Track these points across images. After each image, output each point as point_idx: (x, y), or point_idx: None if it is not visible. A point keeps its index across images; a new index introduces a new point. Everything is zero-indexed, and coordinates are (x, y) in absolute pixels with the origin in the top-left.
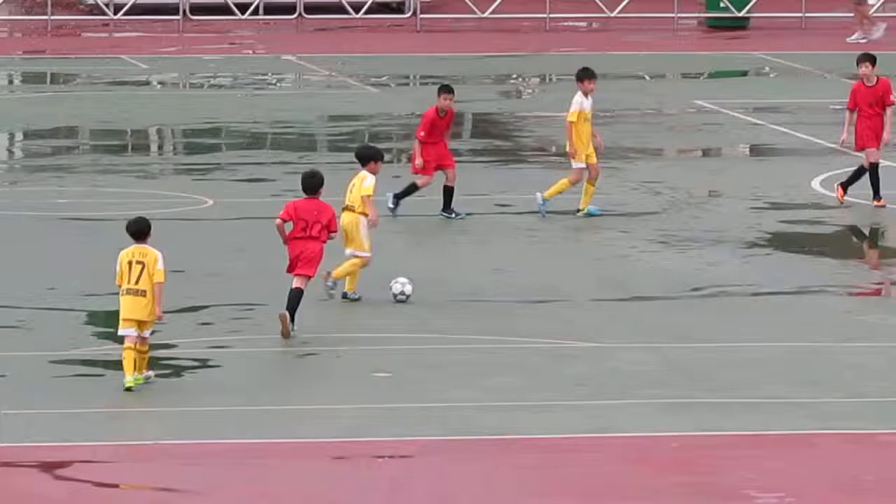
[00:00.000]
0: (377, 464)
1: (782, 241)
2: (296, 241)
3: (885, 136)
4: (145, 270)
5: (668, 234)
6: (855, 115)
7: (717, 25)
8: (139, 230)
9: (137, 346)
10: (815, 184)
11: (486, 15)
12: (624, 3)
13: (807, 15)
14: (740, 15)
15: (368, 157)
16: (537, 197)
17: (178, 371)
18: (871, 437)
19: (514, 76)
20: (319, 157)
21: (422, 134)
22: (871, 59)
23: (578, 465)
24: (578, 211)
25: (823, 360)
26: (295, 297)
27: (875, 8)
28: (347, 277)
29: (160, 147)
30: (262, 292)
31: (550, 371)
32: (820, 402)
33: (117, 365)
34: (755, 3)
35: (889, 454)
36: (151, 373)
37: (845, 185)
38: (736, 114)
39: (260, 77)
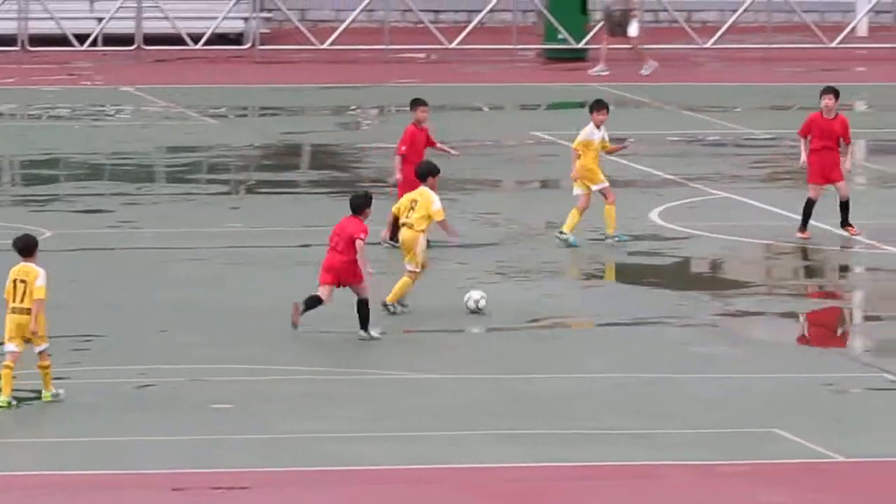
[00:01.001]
0: (216, 495)
1: (620, 273)
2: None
3: (847, 164)
4: (27, 288)
5: (506, 265)
6: (808, 143)
7: (555, 57)
8: (24, 247)
9: (39, 363)
10: (653, 215)
11: (324, 46)
12: (463, 35)
13: (645, 46)
14: (578, 46)
15: (426, 174)
16: (568, 238)
17: (16, 402)
18: (710, 468)
19: (353, 107)
20: (158, 188)
21: (403, 149)
22: (835, 93)
23: (419, 496)
24: (561, 233)
25: (661, 391)
26: (311, 303)
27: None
28: (395, 290)
29: None
30: (98, 324)
31: (392, 402)
32: (658, 433)
33: None
34: (593, 35)
35: (728, 485)
36: (61, 391)
37: (843, 224)
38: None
39: (98, 108)
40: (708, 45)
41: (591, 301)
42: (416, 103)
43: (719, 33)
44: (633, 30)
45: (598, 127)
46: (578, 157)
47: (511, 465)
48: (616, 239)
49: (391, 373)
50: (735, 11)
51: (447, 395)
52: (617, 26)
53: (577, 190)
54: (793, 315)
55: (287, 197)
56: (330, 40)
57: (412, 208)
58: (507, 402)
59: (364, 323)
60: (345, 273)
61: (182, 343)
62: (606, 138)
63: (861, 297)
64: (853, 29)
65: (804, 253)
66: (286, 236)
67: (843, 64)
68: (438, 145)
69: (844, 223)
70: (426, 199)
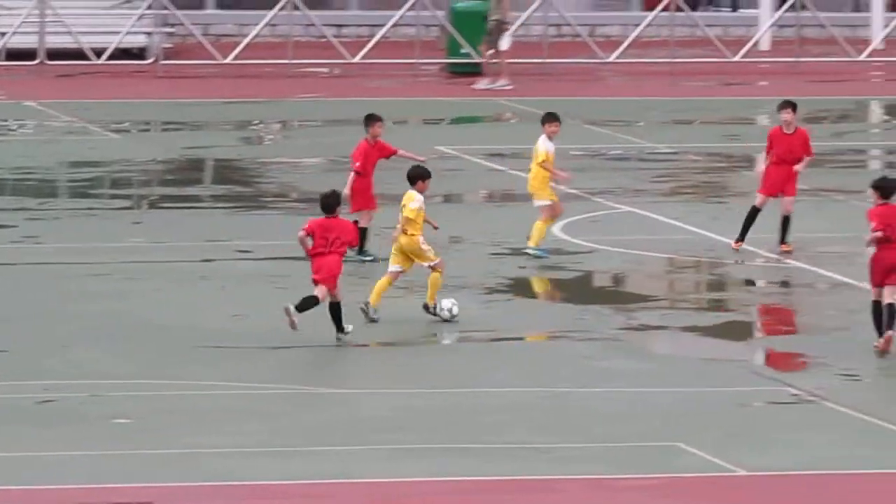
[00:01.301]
0: None
1: (523, 287)
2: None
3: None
4: None
5: (410, 279)
6: (768, 157)
7: (458, 71)
8: None
9: None
10: (556, 229)
11: (227, 61)
12: (366, 49)
13: (548, 61)
14: (481, 61)
15: (415, 177)
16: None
17: None
18: (611, 482)
19: (256, 122)
20: (61, 203)
21: (357, 165)
22: (793, 106)
23: None
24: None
25: (563, 405)
26: (308, 303)
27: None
28: (429, 292)
29: None
30: None
31: (294, 417)
32: (560, 448)
33: None
34: (496, 50)
35: (628, 499)
36: None
37: (782, 241)
38: (477, 159)
39: (1, 123)
40: (611, 59)
41: (493, 315)
42: (371, 119)
43: (622, 48)
44: (504, 43)
45: (550, 139)
46: (546, 168)
47: (413, 480)
48: (534, 253)
49: (292, 387)
50: (638, 26)
51: (349, 409)
52: (490, 37)
53: (539, 202)
54: (695, 329)
55: (189, 211)
56: (233, 55)
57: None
58: (410, 416)
59: (339, 325)
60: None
61: (84, 358)
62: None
63: (763, 311)
64: (756, 43)
65: (706, 267)
66: (188, 251)
67: (746, 78)
68: (400, 153)
69: (783, 240)
70: (408, 200)
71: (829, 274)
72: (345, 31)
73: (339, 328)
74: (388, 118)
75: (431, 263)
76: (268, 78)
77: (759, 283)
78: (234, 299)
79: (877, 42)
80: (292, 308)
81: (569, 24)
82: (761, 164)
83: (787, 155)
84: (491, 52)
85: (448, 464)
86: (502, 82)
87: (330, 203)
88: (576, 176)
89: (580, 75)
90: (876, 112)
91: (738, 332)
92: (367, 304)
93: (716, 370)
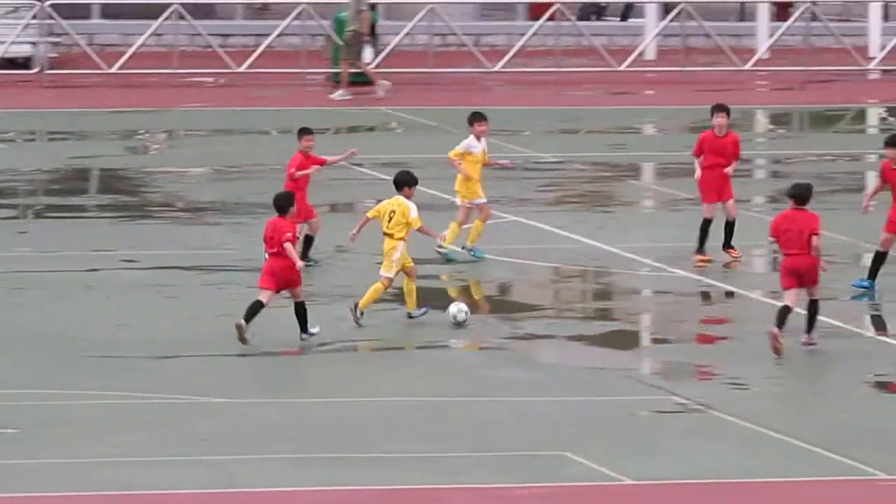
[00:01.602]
0: None
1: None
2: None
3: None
4: None
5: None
6: (700, 161)
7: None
8: None
9: None
10: (440, 239)
11: (113, 71)
12: (251, 59)
13: (433, 70)
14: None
15: (402, 183)
16: (447, 253)
17: None
18: (497, 491)
19: (141, 131)
20: None
21: (292, 170)
22: (727, 110)
23: None
24: (463, 248)
25: (450, 414)
26: (253, 309)
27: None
28: (407, 298)
29: None
30: None
31: (179, 427)
32: (447, 457)
33: None
34: (383, 59)
35: None
36: None
37: (726, 246)
38: (363, 169)
39: None
40: (496, 68)
41: (380, 324)
42: (303, 132)
43: (507, 57)
44: (366, 55)
45: (478, 139)
46: (459, 165)
47: (299, 490)
48: (472, 253)
49: (178, 397)
50: (523, 35)
51: (235, 419)
52: (351, 49)
53: (477, 201)
54: (582, 338)
55: (75, 221)
56: (118, 65)
57: (390, 218)
58: (294, 426)
59: (303, 326)
60: (285, 276)
61: None
62: (486, 150)
63: (649, 320)
64: (642, 52)
65: (593, 276)
66: (74, 260)
67: (632, 87)
68: (330, 160)
69: (727, 245)
70: (403, 208)
71: (716, 283)
72: (230, 40)
73: (304, 329)
74: (273, 128)
75: (388, 273)
76: (153, 87)
77: (646, 292)
78: (120, 309)
79: (762, 51)
80: (244, 323)
81: (454, 34)
82: (698, 171)
83: (720, 157)
84: (351, 63)
85: (333, 474)
86: (339, 93)
87: (278, 204)
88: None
89: (466, 85)
90: (761, 121)
91: (624, 341)
92: (355, 305)
93: (603, 379)
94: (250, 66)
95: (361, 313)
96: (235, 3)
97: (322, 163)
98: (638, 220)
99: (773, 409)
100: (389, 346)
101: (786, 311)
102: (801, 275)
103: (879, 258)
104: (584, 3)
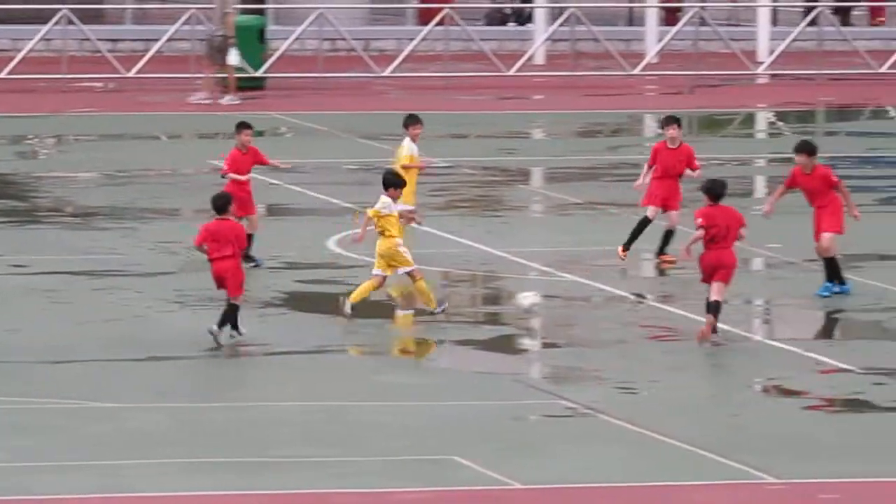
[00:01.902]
0: None
1: (298, 301)
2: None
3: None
4: None
5: (185, 293)
6: (651, 172)
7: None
8: None
9: None
10: (331, 243)
11: (2, 76)
12: (140, 64)
13: (323, 75)
14: (257, 75)
15: (387, 184)
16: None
17: None
18: (388, 495)
19: (31, 136)
20: None
21: (225, 168)
22: (678, 122)
23: None
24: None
25: (341, 418)
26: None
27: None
28: (423, 299)
29: None
30: None
31: (67, 431)
32: (337, 461)
33: None
34: (272, 64)
35: None
36: None
37: (660, 252)
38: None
39: None
40: (386, 73)
41: (270, 329)
42: (241, 127)
43: (397, 62)
44: (232, 58)
45: (413, 141)
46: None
47: (189, 495)
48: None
49: (67, 402)
50: (412, 40)
51: (124, 423)
52: (217, 53)
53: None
54: (471, 342)
55: None
56: (7, 69)
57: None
58: (185, 430)
59: (229, 322)
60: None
61: None
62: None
63: (538, 324)
64: (531, 57)
65: (482, 280)
66: None
67: (521, 92)
68: (271, 162)
69: (661, 251)
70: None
71: (605, 287)
72: (120, 45)
73: (234, 327)
74: (162, 132)
75: (407, 269)
76: (42, 92)
77: (535, 296)
78: (9, 314)
79: (651, 56)
80: (215, 328)
81: (344, 39)
82: (643, 178)
83: (672, 170)
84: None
85: (223, 479)
86: (229, 97)
87: (218, 205)
88: (351, 190)
89: (355, 90)
90: (650, 125)
91: (513, 345)
92: (345, 299)
93: (491, 383)
94: (140, 71)
95: (353, 308)
96: (124, 8)
97: (266, 163)
98: (527, 225)
99: (661, 413)
100: (278, 350)
101: (716, 305)
102: (720, 268)
103: (829, 264)
104: (490, 8)
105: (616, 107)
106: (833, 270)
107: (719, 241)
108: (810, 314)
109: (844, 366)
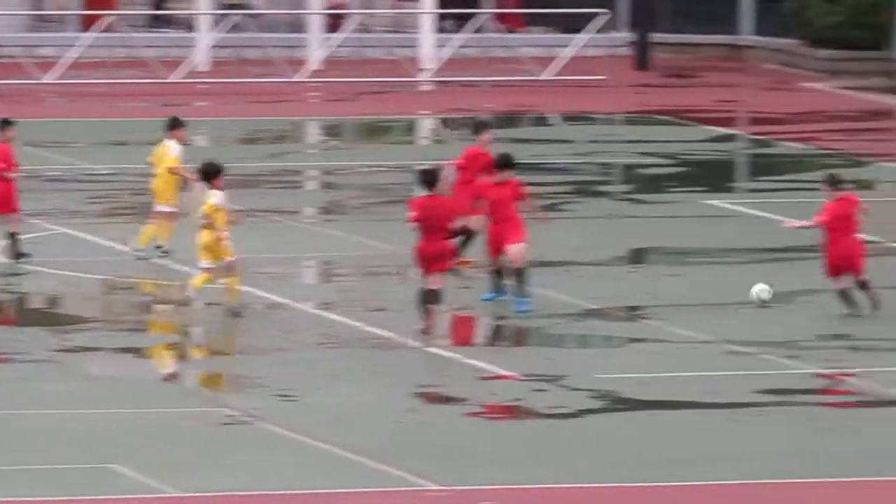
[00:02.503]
0: None
1: None
2: None
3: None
4: None
5: None
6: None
7: None
8: None
9: None
10: None
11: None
12: None
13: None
14: None
15: (212, 174)
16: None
17: None
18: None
19: None
20: None
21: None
22: (490, 127)
23: None
24: (158, 247)
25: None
26: None
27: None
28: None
29: None
30: None
31: None
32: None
33: None
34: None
35: None
36: None
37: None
38: None
39: None
40: (47, 80)
41: None
42: (4, 124)
43: (60, 69)
44: None
45: (179, 143)
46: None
47: None
48: (138, 254)
49: None
50: (74, 46)
51: None
52: None
53: (161, 207)
54: (131, 350)
55: None
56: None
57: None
58: None
59: None
60: None
61: None
62: None
63: (200, 332)
64: (195, 64)
65: (144, 288)
66: None
67: (185, 98)
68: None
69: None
70: (206, 197)
71: (266, 294)
72: None
73: None
74: None
75: (230, 259)
76: None
77: (199, 304)
78: None
79: (314, 62)
80: None
81: (4, 45)
82: (450, 178)
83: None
84: None
85: None
86: None
87: None
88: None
89: (18, 97)
90: (313, 132)
91: (174, 352)
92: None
93: (152, 391)
94: None
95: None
96: None
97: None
98: (191, 232)
99: (323, 421)
100: None
101: (432, 294)
102: (435, 259)
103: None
104: (150, 14)
105: (280, 114)
106: (514, 280)
107: (434, 233)
108: (473, 321)
109: (505, 372)
